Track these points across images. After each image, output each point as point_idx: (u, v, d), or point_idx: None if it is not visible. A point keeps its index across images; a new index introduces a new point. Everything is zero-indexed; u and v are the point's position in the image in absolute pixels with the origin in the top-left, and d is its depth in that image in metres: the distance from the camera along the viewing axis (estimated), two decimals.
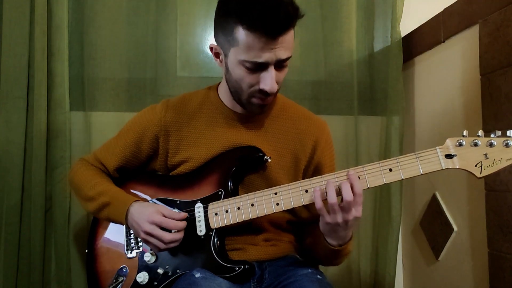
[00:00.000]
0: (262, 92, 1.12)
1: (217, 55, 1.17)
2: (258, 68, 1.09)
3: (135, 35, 1.72)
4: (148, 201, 1.21)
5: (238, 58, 1.09)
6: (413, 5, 1.82)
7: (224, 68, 1.18)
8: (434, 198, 1.62)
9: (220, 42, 1.14)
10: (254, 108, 1.18)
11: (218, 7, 1.13)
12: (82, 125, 1.67)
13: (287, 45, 1.08)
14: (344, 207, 1.02)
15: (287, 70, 1.15)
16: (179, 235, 1.12)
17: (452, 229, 1.51)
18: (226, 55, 1.13)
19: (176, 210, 1.18)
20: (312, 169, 1.26)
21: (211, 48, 1.18)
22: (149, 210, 1.13)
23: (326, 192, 1.03)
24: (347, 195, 1.01)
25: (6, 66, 1.59)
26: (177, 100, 1.28)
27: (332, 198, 1.02)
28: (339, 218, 1.02)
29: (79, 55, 1.68)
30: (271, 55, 1.07)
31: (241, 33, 1.06)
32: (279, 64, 1.10)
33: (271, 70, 1.09)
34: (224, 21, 1.10)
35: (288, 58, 1.10)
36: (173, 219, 1.13)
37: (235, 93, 1.18)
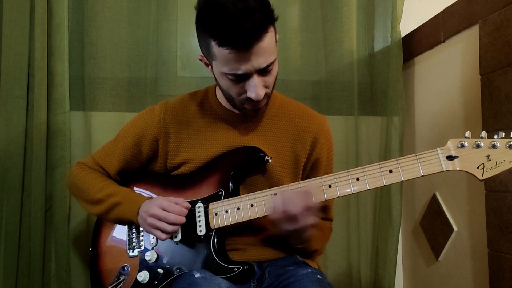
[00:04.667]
0: (250, 100, 1.11)
1: (206, 64, 1.17)
2: (240, 78, 1.08)
3: (135, 35, 1.72)
4: None
5: (219, 70, 1.10)
6: (413, 5, 1.82)
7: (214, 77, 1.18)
8: (434, 198, 1.62)
9: (204, 54, 1.14)
10: (248, 112, 1.18)
11: (196, 22, 1.10)
12: (82, 125, 1.66)
13: (264, 52, 1.05)
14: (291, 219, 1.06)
15: (276, 71, 1.14)
16: (182, 219, 1.13)
17: (452, 229, 1.51)
18: (211, 66, 1.14)
19: None
20: (310, 165, 1.27)
21: (200, 59, 1.18)
22: (158, 198, 1.17)
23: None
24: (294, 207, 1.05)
25: (6, 66, 1.58)
26: (176, 102, 1.28)
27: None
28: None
29: (79, 54, 1.68)
30: (249, 66, 1.05)
31: (215, 48, 1.05)
32: (263, 71, 1.08)
33: (255, 79, 1.08)
34: (201, 36, 1.10)
35: (270, 64, 1.08)
36: (178, 204, 1.14)
37: (228, 99, 1.19)
